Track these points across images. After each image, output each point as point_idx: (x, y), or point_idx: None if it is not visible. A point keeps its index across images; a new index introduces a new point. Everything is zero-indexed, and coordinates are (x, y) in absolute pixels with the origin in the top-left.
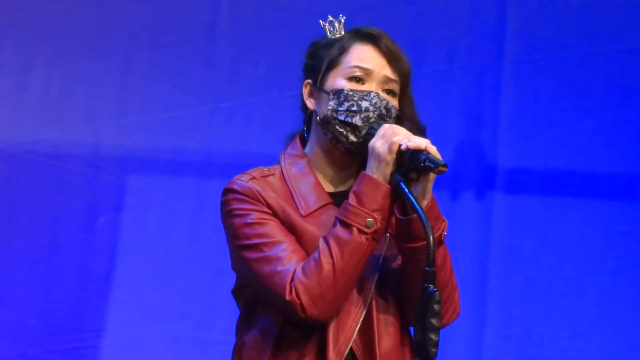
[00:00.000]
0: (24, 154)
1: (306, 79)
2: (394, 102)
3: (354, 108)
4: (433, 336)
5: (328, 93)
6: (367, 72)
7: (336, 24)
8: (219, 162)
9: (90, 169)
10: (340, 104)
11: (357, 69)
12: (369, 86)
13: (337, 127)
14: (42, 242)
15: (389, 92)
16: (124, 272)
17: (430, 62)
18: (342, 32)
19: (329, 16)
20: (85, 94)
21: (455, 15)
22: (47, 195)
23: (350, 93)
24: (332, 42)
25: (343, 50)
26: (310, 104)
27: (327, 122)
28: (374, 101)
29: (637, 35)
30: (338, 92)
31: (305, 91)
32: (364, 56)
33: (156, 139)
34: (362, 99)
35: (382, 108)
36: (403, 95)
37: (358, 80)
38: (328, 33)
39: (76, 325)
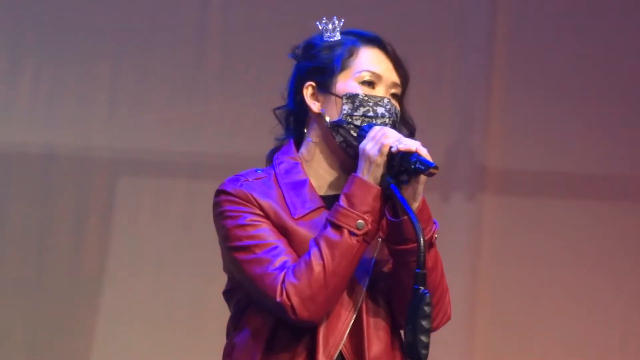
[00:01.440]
0: (14, 155)
1: (306, 81)
2: (398, 107)
3: (370, 114)
4: (424, 338)
5: (340, 97)
6: (378, 77)
7: (330, 26)
8: (209, 163)
9: (81, 170)
10: (355, 109)
11: (368, 73)
12: (379, 91)
13: (352, 131)
14: (32, 243)
15: (394, 96)
16: (114, 274)
17: (421, 63)
18: (339, 35)
19: (324, 18)
20: (75, 96)
21: (446, 16)
22: (37, 196)
23: (366, 98)
24: (334, 45)
25: (352, 53)
26: (314, 106)
27: (339, 126)
28: (387, 107)
29: (626, 37)
30: (352, 97)
31: (307, 93)
32: (374, 60)
33: (146, 140)
34: (377, 104)
35: (394, 114)
36: (402, 99)
37: (369, 84)
38: (326, 36)
39: (66, 327)
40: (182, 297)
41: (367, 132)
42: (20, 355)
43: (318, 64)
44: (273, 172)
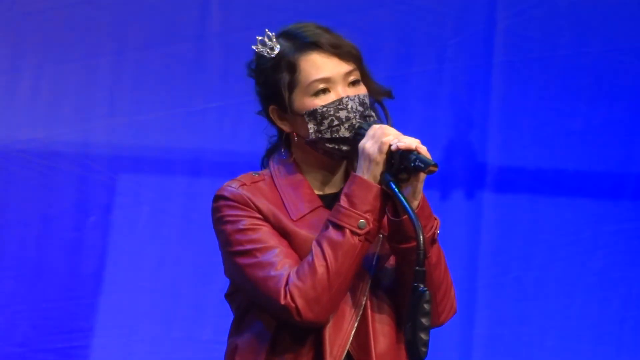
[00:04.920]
0: (13, 153)
1: (268, 104)
2: (362, 91)
3: (335, 122)
4: (423, 335)
5: (302, 115)
6: (328, 80)
7: (267, 40)
8: (209, 161)
9: (81, 168)
10: (319, 123)
11: (317, 83)
12: (336, 93)
13: (326, 144)
14: (32, 242)
15: (354, 83)
16: (114, 272)
17: (420, 61)
18: (277, 46)
19: (257, 37)
20: (75, 93)
21: (445, 14)
22: (37, 194)
23: (325, 110)
24: (277, 63)
25: (293, 68)
26: (285, 127)
27: (314, 143)
28: (349, 106)
29: (625, 35)
30: (312, 113)
31: (274, 116)
32: (316, 67)
33: (146, 138)
34: (337, 110)
35: (358, 107)
36: (364, 75)
37: (323, 91)
38: (266, 55)
39: (66, 325)
40: (182, 295)
41: (366, 130)
42: (19, 353)
43: (270, 90)
44: (270, 174)
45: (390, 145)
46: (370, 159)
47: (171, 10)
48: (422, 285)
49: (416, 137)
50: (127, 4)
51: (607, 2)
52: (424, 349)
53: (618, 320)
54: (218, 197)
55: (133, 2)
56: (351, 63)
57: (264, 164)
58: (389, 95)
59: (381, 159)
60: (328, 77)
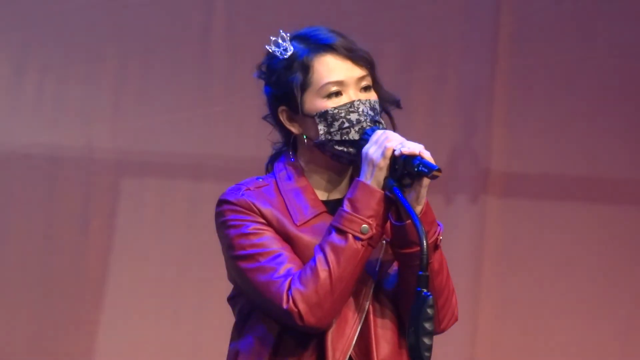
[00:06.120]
0: (18, 157)
1: (278, 105)
2: (373, 96)
3: (346, 125)
4: (426, 340)
5: (313, 117)
6: (341, 83)
7: (280, 40)
8: (213, 165)
9: (85, 172)
10: (330, 125)
11: (331, 85)
12: (348, 96)
13: (336, 146)
14: (36, 245)
15: (365, 88)
16: (117, 275)
17: (424, 65)
18: (291, 47)
19: (271, 37)
20: (79, 97)
21: (449, 18)
22: (42, 197)
23: (336, 111)
24: (290, 64)
25: (306, 69)
26: (294, 128)
27: (323, 145)
28: (360, 109)
29: (629, 40)
30: (323, 115)
31: (283, 118)
32: (330, 69)
33: (150, 141)
34: (349, 112)
35: (369, 112)
36: (375, 82)
37: (336, 94)
38: (279, 55)
39: (69, 328)
40: (186, 297)
41: (370, 136)
42: (25, 354)
43: (281, 91)
44: (274, 179)
45: (393, 151)
46: (373, 164)
47: (175, 15)
48: (425, 290)
49: (420, 141)
50: (132, 8)
51: (612, 6)
52: (427, 354)
53: (624, 324)
54: (222, 202)
55: (137, 6)
56: (364, 68)
57: (269, 169)
58: (397, 105)
59: (384, 164)
60: (341, 81)
